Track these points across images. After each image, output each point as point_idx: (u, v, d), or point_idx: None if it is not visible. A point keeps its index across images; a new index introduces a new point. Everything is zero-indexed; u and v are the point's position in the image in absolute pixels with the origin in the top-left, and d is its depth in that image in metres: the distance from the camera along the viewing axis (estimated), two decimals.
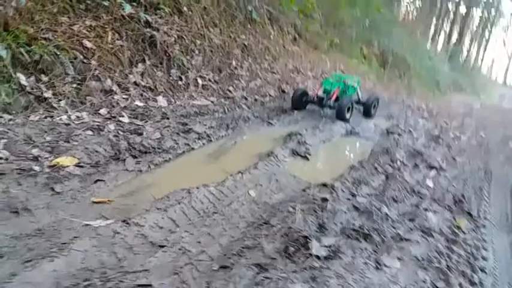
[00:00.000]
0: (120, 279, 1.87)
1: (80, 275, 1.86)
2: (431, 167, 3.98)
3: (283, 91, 7.28)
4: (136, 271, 1.93)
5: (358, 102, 6.51)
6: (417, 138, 5.25)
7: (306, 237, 2.29)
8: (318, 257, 2.17)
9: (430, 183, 3.52)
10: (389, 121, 6.37)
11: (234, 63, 6.86)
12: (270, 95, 6.69)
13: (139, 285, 1.85)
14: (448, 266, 2.29)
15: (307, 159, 3.96)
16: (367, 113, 6.44)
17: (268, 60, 8.06)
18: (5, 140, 2.94)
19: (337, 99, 5.88)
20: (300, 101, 5.99)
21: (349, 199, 2.92)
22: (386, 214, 2.74)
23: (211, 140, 4.13)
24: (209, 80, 6.05)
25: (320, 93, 6.15)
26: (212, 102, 5.42)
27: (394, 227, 2.60)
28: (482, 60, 39.43)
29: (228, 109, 5.24)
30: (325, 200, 2.79)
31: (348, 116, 5.62)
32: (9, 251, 1.99)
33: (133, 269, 1.94)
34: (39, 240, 2.10)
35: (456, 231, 2.72)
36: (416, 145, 4.78)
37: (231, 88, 6.24)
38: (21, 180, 2.56)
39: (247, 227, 2.46)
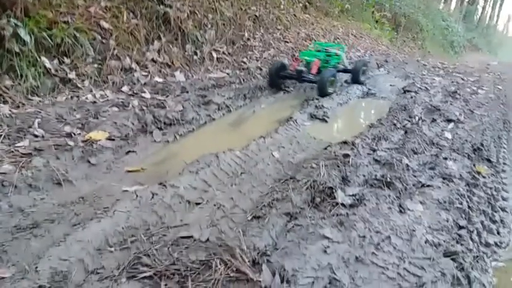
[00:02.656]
0: (163, 233, 2.03)
1: (126, 232, 2.03)
2: (449, 121, 4.03)
3: (297, 59, 7.30)
4: (177, 226, 2.09)
5: (345, 70, 5.78)
6: (434, 94, 5.25)
7: (331, 188, 2.41)
8: (343, 205, 2.30)
9: (448, 135, 3.58)
10: (406, 81, 6.35)
11: (246, 34, 6.89)
12: None
13: (181, 237, 2.01)
14: (469, 206, 2.39)
15: (326, 121, 4.05)
16: (355, 80, 5.71)
17: (280, 30, 8.05)
18: (39, 120, 3.11)
19: (318, 71, 5.13)
20: (277, 77, 5.14)
21: (369, 153, 3.02)
22: (407, 165, 2.83)
23: (230, 110, 4.25)
24: (223, 52, 6.11)
25: (300, 66, 5.24)
26: (228, 74, 5.50)
27: (415, 176, 2.70)
28: (498, 17, 38.05)
29: (243, 80, 5.32)
30: (346, 155, 2.90)
31: (330, 90, 4.93)
32: (58, 216, 2.17)
33: (174, 224, 2.11)
34: (83, 206, 2.28)
35: (476, 176, 2.80)
36: (433, 101, 4.80)
37: (245, 59, 6.30)
38: (59, 155, 2.73)
39: (274, 183, 2.60)
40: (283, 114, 4.06)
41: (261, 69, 6.12)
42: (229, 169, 2.76)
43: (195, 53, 5.69)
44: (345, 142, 3.19)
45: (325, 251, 1.98)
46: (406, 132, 3.56)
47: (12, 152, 2.67)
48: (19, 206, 2.18)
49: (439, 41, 19.23)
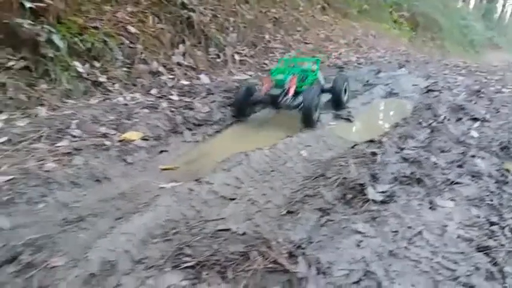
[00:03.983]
0: (202, 226, 2.12)
1: (167, 225, 2.13)
2: (474, 119, 4.02)
3: None
4: (214, 219, 2.18)
5: (322, 90, 4.36)
6: (458, 94, 5.23)
7: (361, 185, 2.47)
8: (374, 201, 2.35)
9: (475, 133, 3.58)
10: (428, 80, 6.32)
11: (267, 36, 6.99)
12: None
13: (219, 230, 2.09)
14: (500, 203, 2.40)
15: (351, 121, 4.10)
16: (337, 103, 4.36)
17: (300, 32, 8.13)
18: (76, 121, 3.25)
19: (296, 93, 4.03)
20: (245, 104, 4.04)
21: (397, 152, 3.05)
22: (435, 162, 2.86)
23: (255, 111, 4.33)
24: (245, 55, 6.22)
25: (271, 88, 3.99)
26: (250, 76, 5.60)
27: (444, 173, 2.72)
28: None
29: None
30: (374, 154, 2.95)
31: (316, 115, 3.85)
32: (100, 211, 2.28)
33: (211, 218, 2.20)
34: (123, 202, 2.39)
35: (505, 173, 2.81)
36: (457, 100, 4.78)
37: (266, 61, 6.39)
38: (97, 154, 2.86)
39: (305, 180, 2.67)
40: None
41: None
42: (259, 167, 2.84)
43: (218, 56, 5.81)
44: (372, 141, 3.24)
45: (358, 245, 2.04)
46: (432, 131, 3.58)
47: (54, 151, 2.81)
48: (64, 202, 2.30)
49: (458, 40, 18.99)
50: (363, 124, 4.25)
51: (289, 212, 2.25)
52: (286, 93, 3.94)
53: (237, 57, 6.02)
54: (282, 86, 3.96)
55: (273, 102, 3.95)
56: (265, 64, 6.24)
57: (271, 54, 6.75)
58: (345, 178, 2.55)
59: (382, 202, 2.35)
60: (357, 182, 2.49)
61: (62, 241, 1.97)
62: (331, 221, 2.19)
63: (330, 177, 2.59)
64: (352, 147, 3.22)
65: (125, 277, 1.77)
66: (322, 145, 3.33)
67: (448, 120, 3.98)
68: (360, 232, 2.11)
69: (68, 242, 1.98)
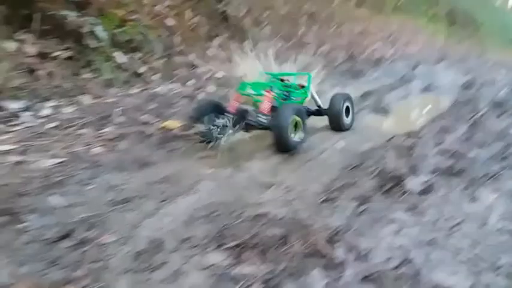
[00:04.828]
0: (242, 210, 2.19)
1: (209, 208, 2.20)
2: None
3: (352, 55, 7.29)
4: (254, 203, 2.24)
5: (318, 112, 3.65)
6: (499, 89, 5.09)
7: (399, 175, 2.47)
8: (413, 192, 2.35)
9: None
10: (467, 76, 6.17)
11: (301, 31, 6.99)
12: (339, 59, 6.75)
13: (258, 215, 2.15)
14: None
15: (388, 115, 4.07)
16: (336, 125, 3.54)
17: (334, 26, 8.08)
18: (120, 109, 3.39)
19: (273, 110, 3.21)
20: (205, 121, 3.11)
21: (436, 145, 3.03)
22: (475, 156, 2.82)
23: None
24: (279, 48, 6.24)
25: (242, 104, 3.34)
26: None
27: (484, 166, 2.68)
28: None
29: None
30: (412, 146, 2.93)
31: (295, 138, 3.00)
32: (147, 193, 2.38)
33: (251, 202, 2.26)
34: (168, 185, 2.48)
35: None
36: (498, 96, 4.67)
37: (301, 54, 6.39)
38: (139, 140, 2.98)
39: (342, 169, 2.69)
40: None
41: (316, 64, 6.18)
42: (296, 156, 2.88)
43: (252, 49, 5.86)
44: (410, 134, 3.22)
45: (396, 233, 2.05)
46: (471, 125, 3.52)
47: (99, 136, 2.95)
48: (111, 184, 2.42)
49: (498, 37, 18.30)
50: (400, 117, 4.20)
51: (327, 200, 2.28)
52: (259, 110, 3.14)
53: (271, 50, 6.05)
54: (255, 103, 3.31)
55: (241, 119, 3.14)
56: (297, 58, 6.23)
57: (305, 49, 6.75)
58: (383, 169, 2.56)
59: (421, 193, 2.35)
60: (395, 173, 2.50)
61: (111, 220, 2.08)
62: (370, 209, 2.21)
63: (367, 168, 2.61)
64: (390, 139, 3.21)
65: (171, 255, 1.86)
66: (359, 136, 3.33)
67: (489, 115, 3.89)
68: (398, 221, 2.12)
69: (117, 221, 2.08)
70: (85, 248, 1.88)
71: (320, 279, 1.75)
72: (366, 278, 1.79)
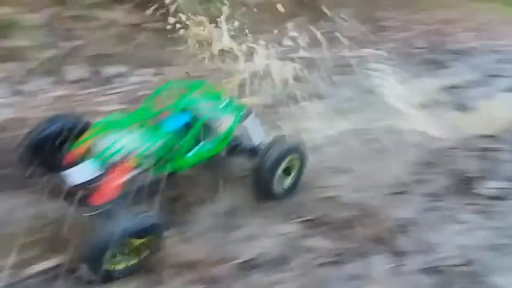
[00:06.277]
0: (311, 191, 2.36)
1: None
2: None
3: (433, 44, 6.98)
4: (323, 187, 2.41)
5: (252, 150, 2.26)
6: None
7: (472, 178, 2.50)
8: (485, 196, 2.38)
9: None
10: None
11: (381, 15, 6.81)
12: (419, 47, 6.51)
13: (329, 197, 2.32)
14: None
15: (467, 112, 3.94)
16: (261, 187, 2.21)
17: (417, 12, 7.73)
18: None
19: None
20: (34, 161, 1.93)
21: None
22: None
23: None
24: (359, 32, 6.16)
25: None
26: (365, 55, 5.57)
27: None
28: None
29: (382, 60, 5.32)
30: (491, 149, 2.89)
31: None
32: None
33: (320, 185, 2.43)
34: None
35: None
36: None
37: (379, 40, 6.27)
38: None
39: (416, 164, 2.71)
40: (422, 99, 4.05)
41: (395, 51, 6.03)
42: (368, 147, 2.95)
43: (331, 32, 5.85)
44: (490, 135, 3.14)
45: (463, 233, 2.13)
46: None
47: None
48: None
49: None
50: (481, 117, 4.03)
51: (397, 192, 2.38)
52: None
53: (350, 33, 6.00)
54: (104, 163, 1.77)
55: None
56: (378, 42, 6.12)
57: (384, 33, 6.59)
58: (455, 169, 2.59)
59: (493, 198, 2.37)
60: (468, 174, 2.53)
61: None
62: (438, 207, 2.30)
63: (441, 166, 2.65)
64: (467, 139, 3.15)
65: (247, 220, 2.12)
66: (435, 133, 3.28)
67: None
68: (466, 222, 2.19)
69: None
70: None
71: (383, 263, 1.90)
72: (426, 270, 1.91)
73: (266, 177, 2.14)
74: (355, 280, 1.86)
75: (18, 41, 3.67)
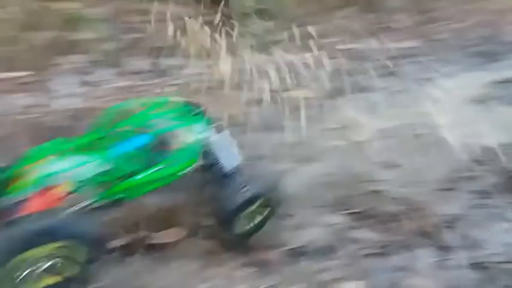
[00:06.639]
0: (363, 185, 2.46)
1: (333, 177, 2.52)
2: None
3: (489, 36, 6.71)
4: (371, 180, 2.50)
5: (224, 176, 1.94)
6: None
7: None
8: None
9: None
10: None
11: (433, 5, 6.62)
12: (473, 39, 6.29)
13: (374, 191, 2.41)
14: None
15: None
16: (221, 219, 1.97)
17: (470, 2, 7.43)
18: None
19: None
20: None
21: None
22: None
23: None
24: (410, 22, 6.05)
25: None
26: (415, 46, 5.48)
27: None
28: None
29: (428, 52, 5.23)
30: None
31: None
32: (274, 155, 2.77)
33: (369, 179, 2.52)
34: (299, 149, 2.82)
35: None
36: None
37: (430, 31, 6.13)
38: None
39: (466, 161, 2.70)
40: (472, 93, 3.97)
41: (449, 41, 5.87)
42: (416, 142, 2.97)
43: (381, 23, 5.79)
44: None
45: (509, 232, 2.16)
46: None
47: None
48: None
49: None
50: None
51: (445, 188, 2.43)
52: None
53: (398, 24, 5.91)
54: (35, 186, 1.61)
55: None
56: (431, 33, 5.98)
57: (435, 24, 6.42)
58: (507, 167, 2.58)
59: None
60: None
61: None
62: (485, 204, 2.33)
63: (491, 164, 2.64)
64: None
65: (297, 209, 2.25)
66: (487, 130, 3.19)
67: None
68: None
69: None
70: None
71: (428, 257, 1.98)
72: (471, 265, 1.97)
73: (225, 214, 1.92)
74: (399, 271, 1.95)
75: (84, 34, 3.98)
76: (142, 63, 3.65)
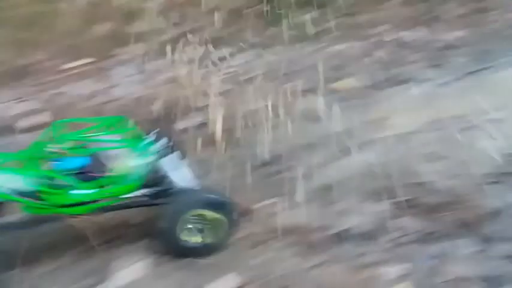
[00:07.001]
0: (407, 176, 2.53)
1: (378, 167, 2.61)
2: None
3: None
4: (418, 172, 2.57)
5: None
6: None
7: None
8: None
9: None
10: None
11: None
12: None
13: (417, 183, 2.49)
14: None
15: None
16: (165, 241, 1.93)
17: None
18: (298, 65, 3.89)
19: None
20: None
21: None
22: None
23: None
24: (461, 12, 5.87)
25: None
26: (465, 36, 5.33)
27: None
28: None
29: (480, 43, 5.08)
30: None
31: None
32: (321, 143, 2.89)
33: (411, 170, 2.60)
34: (345, 139, 2.91)
35: None
36: None
37: (482, 21, 5.91)
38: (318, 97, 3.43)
39: (510, 156, 2.73)
40: None
41: (502, 33, 5.66)
42: (463, 134, 2.91)
43: (430, 12, 5.65)
44: None
45: None
46: None
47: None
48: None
49: None
50: None
51: (491, 182, 2.45)
52: None
53: (449, 14, 5.74)
54: None
55: None
56: (482, 24, 5.77)
57: (485, 14, 6.16)
58: None
59: None
60: None
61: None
62: None
63: None
64: None
65: (341, 196, 2.39)
66: None
67: None
68: None
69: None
70: None
71: (469, 246, 2.06)
72: (510, 257, 2.02)
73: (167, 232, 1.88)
74: (437, 259, 2.04)
75: (140, 26, 4.25)
76: (196, 52, 3.85)
